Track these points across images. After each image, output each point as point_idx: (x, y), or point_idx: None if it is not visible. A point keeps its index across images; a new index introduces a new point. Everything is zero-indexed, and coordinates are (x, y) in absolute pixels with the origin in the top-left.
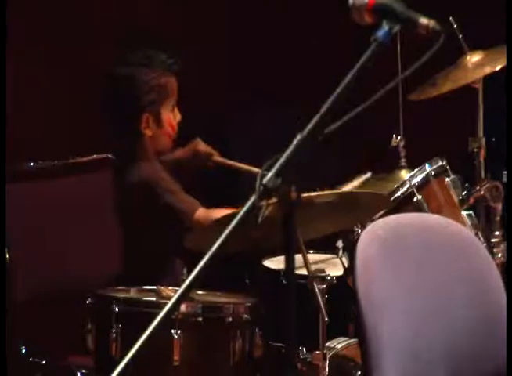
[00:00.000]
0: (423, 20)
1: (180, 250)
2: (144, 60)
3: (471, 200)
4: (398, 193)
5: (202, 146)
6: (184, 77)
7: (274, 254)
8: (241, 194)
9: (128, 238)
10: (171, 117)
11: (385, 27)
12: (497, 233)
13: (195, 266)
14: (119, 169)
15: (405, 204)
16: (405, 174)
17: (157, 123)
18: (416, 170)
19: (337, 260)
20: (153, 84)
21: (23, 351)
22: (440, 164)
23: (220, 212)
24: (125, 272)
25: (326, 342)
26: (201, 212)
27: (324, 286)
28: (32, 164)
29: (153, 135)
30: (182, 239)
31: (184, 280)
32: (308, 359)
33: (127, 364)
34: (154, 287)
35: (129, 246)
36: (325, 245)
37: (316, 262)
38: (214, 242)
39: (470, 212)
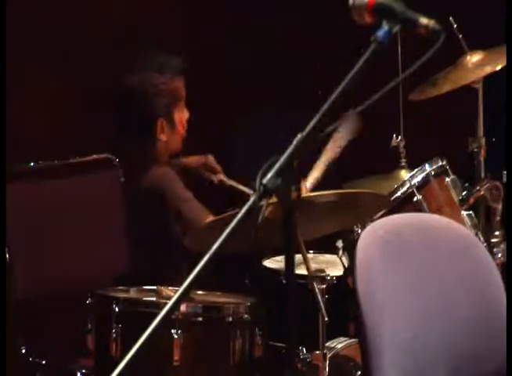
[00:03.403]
0: (423, 20)
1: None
2: (154, 67)
3: (471, 200)
4: (398, 193)
5: (212, 162)
6: (186, 78)
7: (274, 254)
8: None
9: (138, 239)
10: (182, 117)
11: (385, 26)
12: (497, 233)
13: (195, 266)
14: (130, 173)
15: (405, 204)
16: (405, 174)
17: (171, 126)
18: (416, 170)
19: (337, 260)
20: (165, 89)
21: (23, 351)
22: (440, 164)
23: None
24: (136, 272)
25: (326, 342)
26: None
27: (324, 286)
28: (32, 164)
29: (168, 139)
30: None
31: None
32: (308, 359)
33: (127, 364)
34: (154, 287)
35: (138, 246)
36: (325, 245)
37: (316, 262)
38: (214, 242)
39: (470, 212)
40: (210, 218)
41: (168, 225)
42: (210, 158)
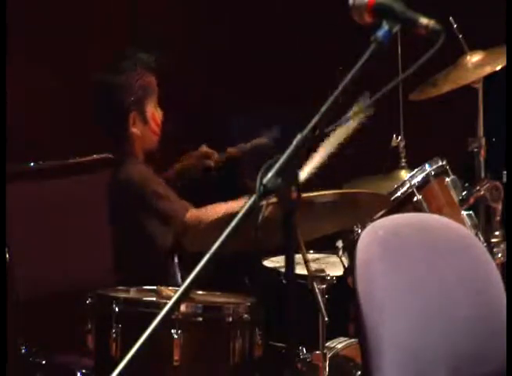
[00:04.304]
0: (423, 20)
1: (174, 249)
2: (128, 63)
3: (471, 200)
4: (398, 193)
5: (205, 150)
6: (185, 78)
7: (274, 254)
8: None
9: (119, 238)
10: (156, 114)
11: (385, 26)
12: (497, 233)
13: (195, 266)
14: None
15: (405, 204)
16: (405, 174)
17: (143, 120)
18: (416, 170)
19: (337, 260)
20: (137, 84)
21: (23, 351)
22: (440, 164)
23: (210, 210)
24: (119, 273)
25: (326, 342)
26: (191, 214)
27: (324, 286)
28: (32, 164)
29: (141, 134)
30: (175, 239)
31: (182, 280)
32: (308, 359)
33: (127, 364)
34: (154, 287)
35: (121, 246)
36: (325, 245)
37: (316, 262)
38: (214, 242)
39: (470, 212)
40: (191, 210)
41: (144, 224)
42: (203, 147)
